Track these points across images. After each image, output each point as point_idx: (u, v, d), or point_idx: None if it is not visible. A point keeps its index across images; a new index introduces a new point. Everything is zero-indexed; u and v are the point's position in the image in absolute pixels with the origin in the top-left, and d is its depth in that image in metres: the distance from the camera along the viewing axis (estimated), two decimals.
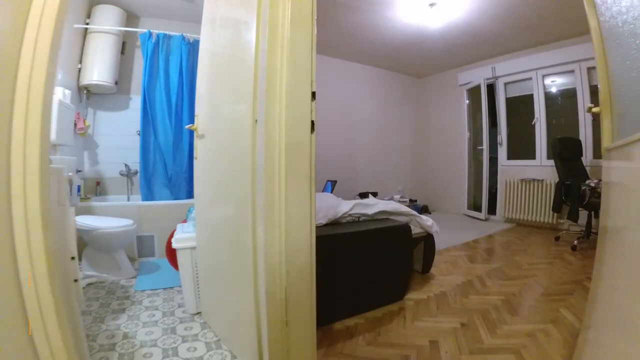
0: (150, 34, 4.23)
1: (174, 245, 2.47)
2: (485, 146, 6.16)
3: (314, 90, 1.54)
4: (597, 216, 4.49)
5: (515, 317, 2.46)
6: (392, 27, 5.00)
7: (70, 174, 1.86)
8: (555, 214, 5.27)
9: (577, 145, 4.85)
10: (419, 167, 7.64)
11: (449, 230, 5.22)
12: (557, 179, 5.11)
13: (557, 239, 4.70)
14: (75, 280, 1.85)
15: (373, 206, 2.98)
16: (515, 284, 3.12)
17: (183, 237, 2.50)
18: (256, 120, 1.59)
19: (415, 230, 3.14)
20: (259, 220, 1.57)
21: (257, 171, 1.57)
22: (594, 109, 1.75)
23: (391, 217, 3.04)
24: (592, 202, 4.16)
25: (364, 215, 2.91)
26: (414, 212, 3.18)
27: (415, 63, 6.76)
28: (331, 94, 6.21)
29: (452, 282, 3.15)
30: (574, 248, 4.19)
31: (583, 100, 5.14)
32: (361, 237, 2.53)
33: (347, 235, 2.48)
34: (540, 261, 3.80)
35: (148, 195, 4.27)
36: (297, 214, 1.53)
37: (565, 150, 4.68)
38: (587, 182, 4.29)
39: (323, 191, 5.32)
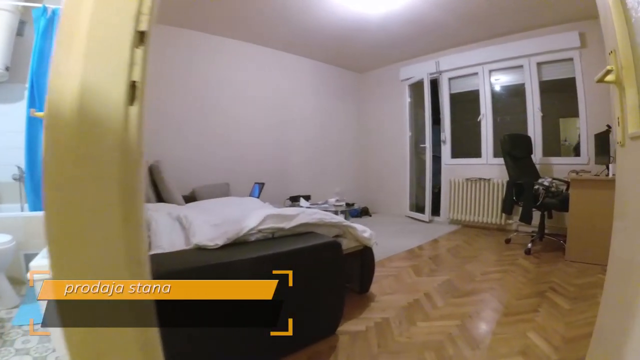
0: (45, 9, 3.35)
1: (28, 274, 1.78)
2: (428, 144, 5.76)
3: (144, 28, 0.82)
4: (550, 217, 4.19)
5: (476, 351, 1.92)
6: (330, 12, 4.39)
7: None
8: (503, 215, 4.93)
9: (527, 143, 4.53)
10: (359, 167, 7.14)
11: (391, 235, 4.71)
12: (504, 178, 4.79)
13: (507, 241, 4.32)
14: None
15: (292, 217, 2.32)
16: (471, 302, 2.61)
17: (40, 265, 1.80)
18: None
19: (350, 243, 2.56)
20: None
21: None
22: (609, 77, 1.21)
23: (317, 231, 2.41)
24: (546, 202, 3.80)
25: (279, 230, 2.26)
26: (347, 223, 2.57)
27: (356, 55, 6.21)
28: (262, 86, 5.54)
29: (396, 304, 2.57)
30: (527, 252, 3.80)
31: (532, 96, 4.88)
32: (271, 262, 1.86)
33: (248, 262, 1.81)
34: (494, 269, 3.35)
35: (37, 204, 3.38)
36: (91, 257, 0.83)
37: (516, 148, 4.32)
38: (540, 181, 3.94)
39: (250, 195, 4.64)
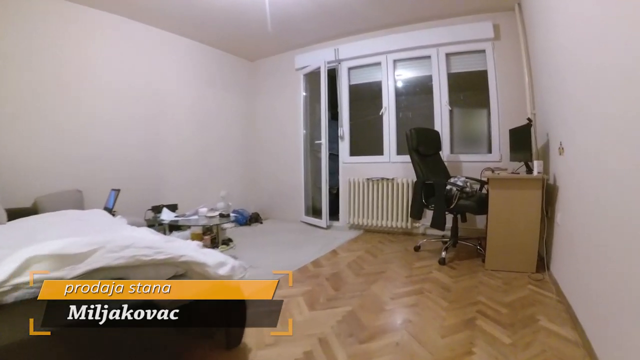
0: None
1: None
2: (323, 140, 5.04)
3: None
4: (464, 220, 3.67)
5: None
6: None
7: None
8: (409, 218, 4.41)
9: (436, 138, 4.03)
10: (249, 168, 6.18)
11: (282, 248, 3.89)
12: (408, 177, 4.36)
13: (417, 249, 3.75)
14: None
15: (81, 258, 1.31)
16: (383, 348, 1.84)
17: None
18: None
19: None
20: None
21: None
22: None
23: (136, 275, 1.44)
24: (461, 204, 3.25)
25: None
26: (188, 257, 1.57)
27: (247, 39, 5.26)
28: (128, 70, 4.32)
29: None
30: (442, 262, 3.24)
31: (440, 89, 4.45)
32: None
33: None
34: (407, 290, 2.66)
35: None
36: None
37: (424, 144, 3.77)
38: (452, 180, 3.38)
39: (105, 207, 3.54)
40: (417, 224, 4.45)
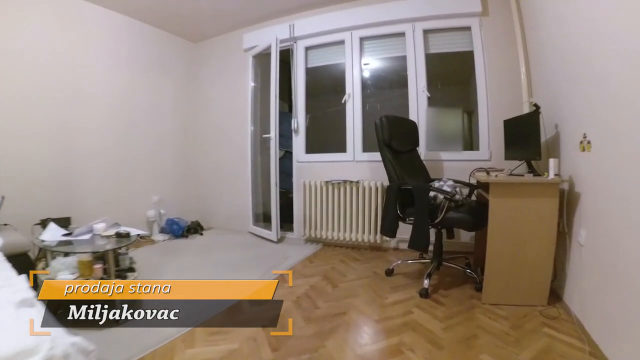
0: None
1: None
2: (273, 134, 4.15)
3: None
4: (451, 236, 2.88)
5: None
6: None
7: None
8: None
9: (412, 130, 3.24)
10: (191, 168, 5.21)
11: (211, 276, 2.98)
12: (377, 180, 3.63)
13: (389, 273, 2.92)
14: None
15: None
16: None
17: None
18: None
19: None
20: None
21: None
22: None
23: None
24: (451, 217, 2.45)
25: None
26: None
27: (187, 14, 4.36)
28: (33, 44, 3.37)
29: None
30: (424, 294, 2.42)
31: (416, 72, 3.71)
32: None
33: None
34: (379, 347, 1.85)
35: None
36: None
37: (398, 137, 2.95)
38: (437, 185, 2.61)
39: None
40: (387, 238, 3.65)
